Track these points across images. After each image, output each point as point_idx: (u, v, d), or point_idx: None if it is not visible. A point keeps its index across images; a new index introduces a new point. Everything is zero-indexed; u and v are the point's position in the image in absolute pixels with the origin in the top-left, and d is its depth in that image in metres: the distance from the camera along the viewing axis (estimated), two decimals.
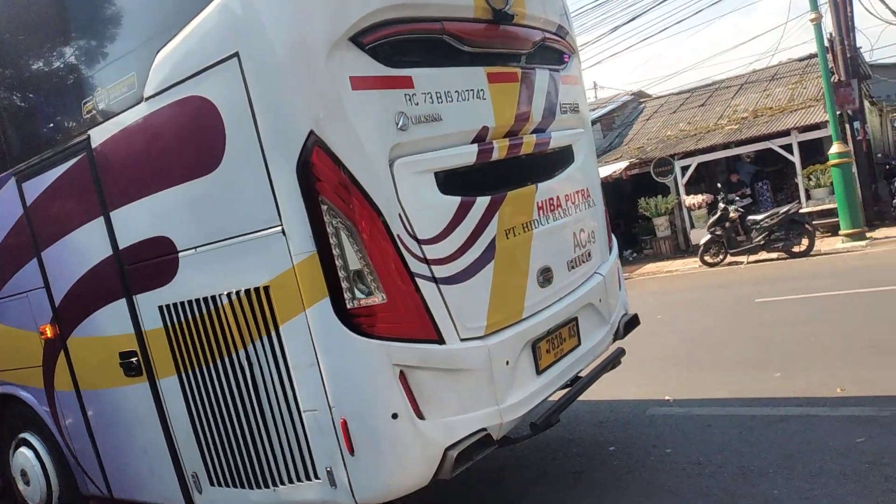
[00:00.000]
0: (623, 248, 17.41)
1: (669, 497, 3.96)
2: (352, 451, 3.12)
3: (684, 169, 15.80)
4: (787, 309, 8.42)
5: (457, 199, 3.45)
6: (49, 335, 4.47)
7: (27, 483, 5.06)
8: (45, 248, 4.30)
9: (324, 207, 3.00)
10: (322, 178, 2.99)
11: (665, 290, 11.98)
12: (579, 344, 4.27)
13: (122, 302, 3.89)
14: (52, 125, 4.26)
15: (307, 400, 3.22)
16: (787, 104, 15.80)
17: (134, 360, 3.93)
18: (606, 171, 16.40)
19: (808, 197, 14.36)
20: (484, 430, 3.38)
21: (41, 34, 4.18)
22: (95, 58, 3.86)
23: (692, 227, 15.51)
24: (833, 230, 13.28)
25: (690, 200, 15.42)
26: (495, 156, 3.75)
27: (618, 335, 4.76)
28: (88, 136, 3.77)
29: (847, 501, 3.51)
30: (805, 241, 12.30)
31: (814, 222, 13.22)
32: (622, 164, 16.30)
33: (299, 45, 2.97)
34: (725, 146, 15.12)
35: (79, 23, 3.93)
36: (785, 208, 12.57)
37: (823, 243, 13.02)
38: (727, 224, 12.98)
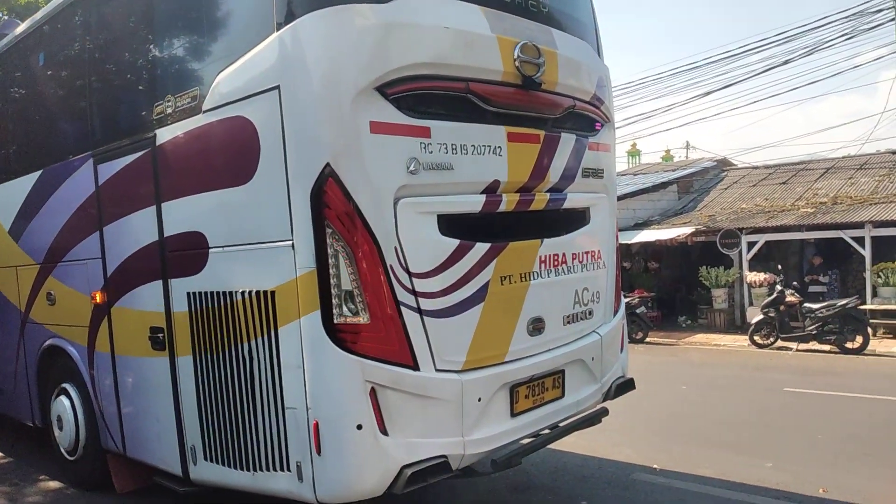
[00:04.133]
0: (679, 314, 17.20)
1: None
2: (319, 451, 3.47)
3: (751, 244, 15.54)
4: (811, 403, 8.28)
5: (455, 242, 3.77)
6: (98, 301, 5.03)
7: (61, 428, 5.63)
8: (107, 223, 4.88)
9: (328, 231, 3.40)
10: (331, 206, 3.39)
11: (704, 363, 11.84)
12: (562, 396, 4.47)
13: (160, 283, 4.39)
14: (128, 119, 4.85)
15: (291, 398, 3.59)
16: (870, 195, 15.35)
17: (161, 335, 4.41)
18: (671, 233, 16.32)
19: (875, 294, 13.89)
20: (444, 457, 3.66)
21: (134, 40, 4.79)
22: (172, 69, 4.43)
23: (750, 304, 15.20)
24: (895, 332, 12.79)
25: (752, 277, 15.13)
26: (503, 208, 4.06)
27: (608, 396, 4.93)
28: (155, 135, 4.31)
29: None
30: (859, 339, 11.91)
31: (874, 321, 12.78)
32: (688, 229, 16.17)
33: (330, 88, 3.40)
34: (797, 228, 14.81)
35: (164, 37, 4.49)
36: (843, 301, 12.22)
37: (881, 344, 12.55)
38: (782, 307, 12.71)
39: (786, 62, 17.28)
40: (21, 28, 6.23)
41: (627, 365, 5.25)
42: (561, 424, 4.54)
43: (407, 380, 3.56)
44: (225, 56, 3.84)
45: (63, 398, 5.58)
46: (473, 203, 3.92)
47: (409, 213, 3.59)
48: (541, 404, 4.30)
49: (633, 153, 31.90)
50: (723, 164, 22.49)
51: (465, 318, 3.82)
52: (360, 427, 3.42)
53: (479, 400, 3.85)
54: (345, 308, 3.44)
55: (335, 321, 3.42)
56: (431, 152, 3.67)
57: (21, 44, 6.09)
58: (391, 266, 3.51)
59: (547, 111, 4.33)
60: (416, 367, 3.59)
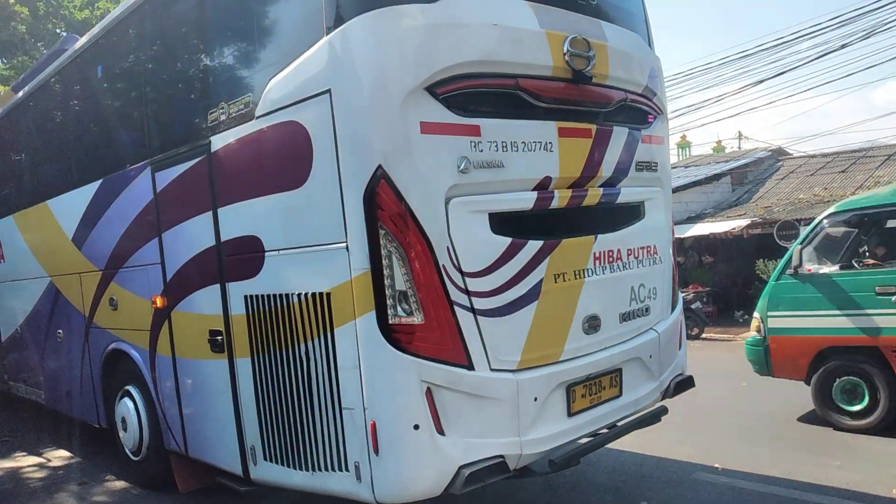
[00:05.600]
0: (735, 309, 16.77)
1: None
2: (377, 451, 3.48)
3: None
4: None
5: (507, 240, 3.74)
6: (159, 305, 5.14)
7: (125, 429, 5.81)
8: (165, 230, 4.99)
9: (381, 232, 3.40)
10: (384, 207, 3.39)
11: None
12: (620, 395, 4.40)
13: (217, 287, 4.47)
14: (183, 127, 4.95)
15: (348, 398, 3.62)
16: None
17: (219, 338, 4.49)
18: (726, 226, 15.93)
19: None
20: (501, 457, 3.63)
21: (187, 50, 4.89)
22: (225, 76, 4.51)
23: None
24: None
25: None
26: (555, 204, 4.01)
27: (667, 394, 4.82)
28: (210, 142, 4.39)
29: None
30: None
31: None
32: (744, 222, 15.75)
33: (380, 90, 3.40)
34: None
35: (216, 46, 4.59)
36: None
37: None
38: None
39: (842, 47, 16.65)
40: (80, 43, 6.43)
41: (686, 362, 5.13)
42: (619, 424, 4.46)
43: (462, 379, 3.54)
44: (276, 62, 3.89)
45: (127, 400, 5.75)
46: (525, 200, 3.88)
47: (461, 212, 3.57)
48: (598, 403, 4.23)
49: (683, 145, 31.31)
50: (778, 154, 21.86)
51: (518, 317, 3.78)
52: (417, 427, 3.42)
53: (536, 400, 3.81)
54: (399, 308, 3.44)
55: (390, 322, 3.43)
56: (482, 150, 3.64)
57: (80, 58, 6.29)
58: (444, 266, 3.50)
59: (598, 105, 4.25)
60: (470, 367, 3.57)
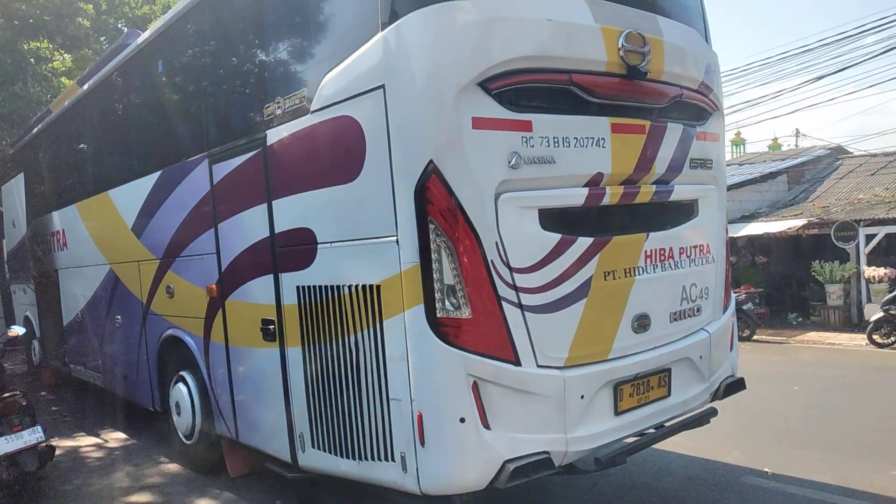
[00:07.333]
0: (789, 311, 16.34)
1: None
2: (423, 443, 3.52)
3: (870, 237, 14.54)
4: None
5: (556, 237, 3.73)
6: (214, 294, 5.29)
7: (179, 413, 5.99)
8: (221, 221, 5.12)
9: (431, 227, 3.43)
10: (434, 202, 3.42)
11: (818, 362, 11.18)
12: (668, 395, 4.35)
13: (271, 277, 4.57)
14: (240, 121, 5.06)
15: (395, 389, 3.67)
16: None
17: (271, 327, 4.59)
18: (781, 226, 15.51)
19: None
20: (546, 453, 3.64)
21: (245, 46, 5.00)
22: (280, 71, 4.59)
23: (868, 300, 14.22)
24: None
25: (871, 272, 14.15)
26: (606, 201, 3.98)
27: (716, 395, 4.74)
28: (265, 135, 4.48)
29: None
30: None
31: None
32: (799, 222, 15.31)
33: (433, 86, 3.43)
34: None
35: (273, 41, 4.66)
36: None
37: None
38: None
39: None
40: (141, 38, 6.63)
41: (737, 364, 5.03)
42: (667, 424, 4.41)
43: (508, 374, 3.55)
44: (331, 57, 3.94)
45: (181, 385, 5.92)
46: (576, 196, 3.86)
47: (510, 207, 3.58)
48: (646, 403, 4.20)
49: (738, 142, 30.59)
50: (837, 153, 21.15)
51: (566, 314, 3.77)
52: (462, 420, 3.44)
53: (582, 397, 3.80)
54: (447, 302, 3.47)
55: (438, 315, 3.46)
56: (533, 146, 3.64)
57: (141, 53, 6.48)
58: (492, 261, 3.52)
59: (653, 101, 4.20)
60: (517, 363, 3.58)
